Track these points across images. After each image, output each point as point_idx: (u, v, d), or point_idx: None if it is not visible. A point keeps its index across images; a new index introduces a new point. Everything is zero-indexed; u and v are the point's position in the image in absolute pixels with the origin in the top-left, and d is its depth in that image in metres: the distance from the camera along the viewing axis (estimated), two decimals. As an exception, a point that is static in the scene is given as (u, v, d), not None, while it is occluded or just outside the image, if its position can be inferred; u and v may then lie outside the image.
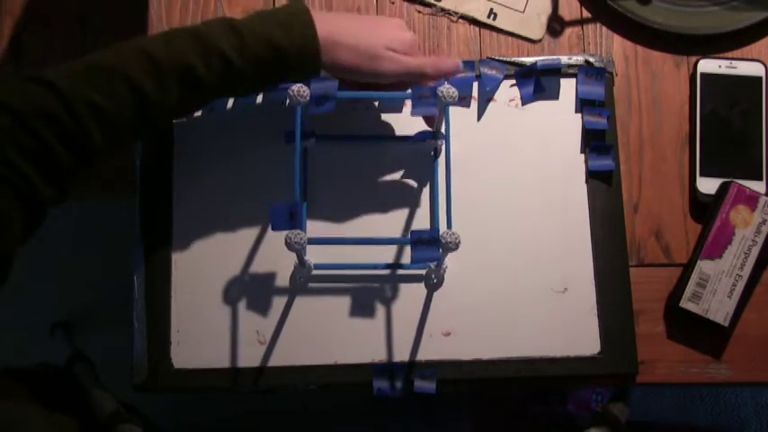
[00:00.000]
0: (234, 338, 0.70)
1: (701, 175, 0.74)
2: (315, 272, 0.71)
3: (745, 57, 0.78)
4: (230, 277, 0.71)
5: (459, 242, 0.61)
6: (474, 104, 0.76)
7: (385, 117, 0.75)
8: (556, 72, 0.76)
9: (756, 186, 0.73)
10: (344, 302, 0.71)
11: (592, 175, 0.74)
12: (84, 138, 0.58)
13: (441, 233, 0.62)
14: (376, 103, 0.76)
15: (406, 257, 0.71)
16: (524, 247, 0.72)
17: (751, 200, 0.72)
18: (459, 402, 1.31)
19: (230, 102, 0.75)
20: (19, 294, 1.07)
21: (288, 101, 0.75)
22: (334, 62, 0.66)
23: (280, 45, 0.63)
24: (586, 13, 0.80)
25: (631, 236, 0.74)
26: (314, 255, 0.71)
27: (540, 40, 0.79)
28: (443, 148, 0.71)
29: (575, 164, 0.74)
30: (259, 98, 0.75)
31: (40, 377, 0.81)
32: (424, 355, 0.70)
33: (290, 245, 0.61)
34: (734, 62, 0.76)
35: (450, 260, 0.69)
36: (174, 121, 0.73)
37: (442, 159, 0.73)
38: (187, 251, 0.71)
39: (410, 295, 0.71)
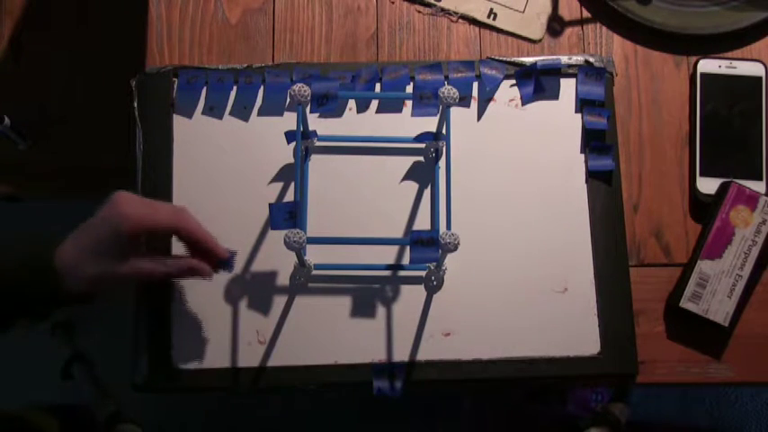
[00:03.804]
0: (234, 338, 0.70)
1: (701, 175, 0.74)
2: (315, 272, 0.71)
3: (745, 57, 0.78)
4: (230, 277, 0.71)
5: (459, 243, 0.61)
6: (474, 104, 0.76)
7: (385, 117, 0.75)
8: (556, 72, 0.76)
9: (756, 186, 0.73)
10: (344, 302, 0.71)
11: (592, 175, 0.74)
12: None
13: (440, 234, 0.62)
14: (377, 103, 0.76)
15: (407, 258, 0.71)
16: (524, 247, 0.72)
17: (751, 200, 0.72)
18: (460, 402, 1.31)
19: (230, 101, 0.75)
20: (19, 294, 1.07)
21: (288, 100, 0.75)
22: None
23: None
24: (586, 13, 0.80)
25: (631, 236, 0.74)
26: (314, 255, 0.71)
27: (540, 40, 0.79)
28: (444, 149, 0.71)
29: (575, 164, 0.74)
30: (259, 98, 0.75)
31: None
32: (424, 355, 0.70)
33: (288, 244, 0.61)
34: (734, 62, 0.76)
35: (451, 259, 0.69)
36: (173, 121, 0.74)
37: (442, 160, 0.73)
38: (187, 251, 0.71)
39: (410, 295, 0.71)
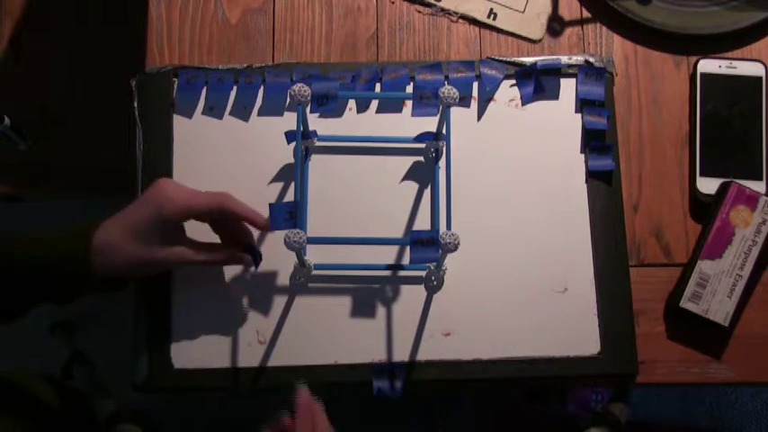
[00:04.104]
0: (234, 338, 0.70)
1: (701, 175, 0.74)
2: (315, 272, 0.71)
3: (745, 57, 0.78)
4: (230, 277, 0.71)
5: (459, 243, 0.61)
6: (474, 104, 0.76)
7: (385, 117, 0.75)
8: (556, 72, 0.76)
9: (756, 186, 0.73)
10: (344, 302, 0.71)
11: (592, 175, 0.74)
12: None
13: (440, 234, 0.62)
14: (377, 103, 0.76)
15: (407, 258, 0.71)
16: (524, 247, 0.72)
17: (751, 200, 0.72)
18: (459, 402, 1.31)
19: (230, 101, 0.75)
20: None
21: (288, 100, 0.75)
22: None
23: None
24: (586, 13, 0.80)
25: (631, 236, 0.74)
26: (314, 255, 0.71)
27: (540, 40, 0.79)
28: (444, 149, 0.71)
29: (575, 164, 0.74)
30: (259, 98, 0.75)
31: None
32: (424, 355, 0.70)
33: (289, 244, 0.61)
34: (734, 62, 0.76)
35: (451, 259, 0.69)
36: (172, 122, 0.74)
37: (442, 160, 0.73)
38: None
39: (410, 295, 0.71)
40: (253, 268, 0.70)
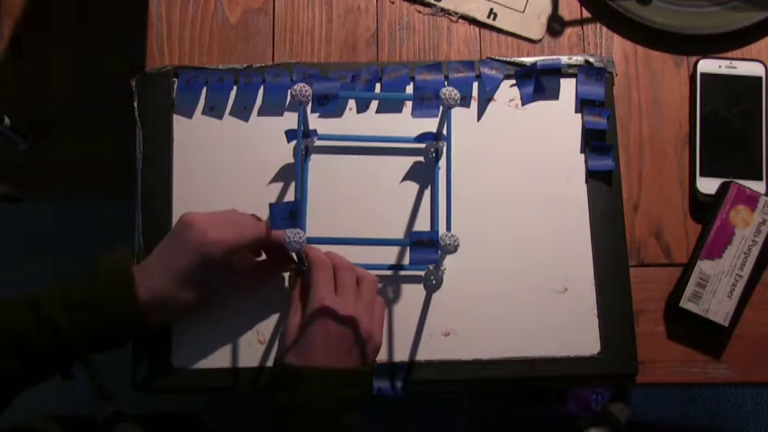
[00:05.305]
0: (234, 338, 0.70)
1: (701, 175, 0.74)
2: (315, 272, 0.71)
3: (745, 57, 0.78)
4: (230, 277, 0.71)
5: (458, 245, 0.61)
6: (474, 104, 0.76)
7: (385, 117, 0.75)
8: (556, 72, 0.76)
9: (756, 186, 0.73)
10: (344, 302, 0.71)
11: (592, 175, 0.74)
12: None
13: (440, 235, 0.62)
14: (377, 103, 0.76)
15: (407, 258, 0.71)
16: (524, 247, 0.72)
17: (751, 200, 0.72)
18: (460, 402, 1.31)
19: (230, 101, 0.75)
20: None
21: (289, 100, 0.75)
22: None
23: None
24: (586, 13, 0.80)
25: (631, 236, 0.74)
26: (314, 255, 0.71)
27: (540, 40, 0.79)
28: (444, 149, 0.71)
29: (575, 164, 0.74)
30: (259, 98, 0.75)
31: None
32: (424, 355, 0.70)
33: (289, 244, 0.61)
34: (734, 62, 0.76)
35: (451, 260, 0.69)
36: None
37: (442, 161, 0.73)
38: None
39: (410, 295, 0.71)
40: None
